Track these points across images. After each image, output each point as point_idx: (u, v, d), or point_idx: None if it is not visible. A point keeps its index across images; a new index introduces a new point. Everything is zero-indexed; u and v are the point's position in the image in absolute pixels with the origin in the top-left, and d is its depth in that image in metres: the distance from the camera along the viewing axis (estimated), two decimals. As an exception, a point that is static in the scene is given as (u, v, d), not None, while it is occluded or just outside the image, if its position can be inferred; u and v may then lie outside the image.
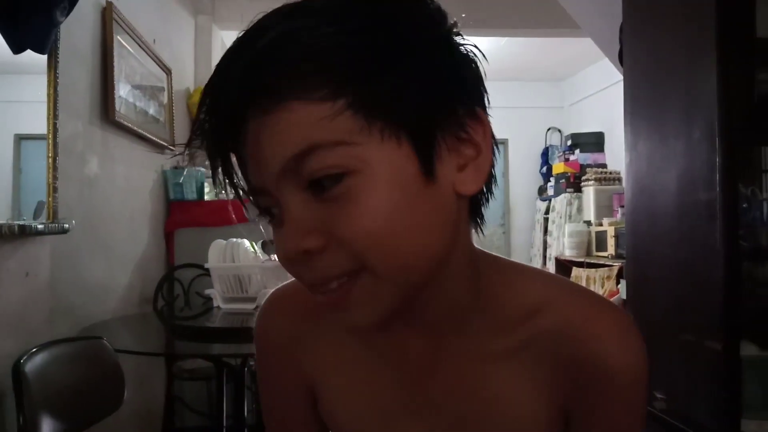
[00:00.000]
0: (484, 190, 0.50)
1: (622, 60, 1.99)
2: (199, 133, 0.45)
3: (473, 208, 0.52)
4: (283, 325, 0.62)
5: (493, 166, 0.49)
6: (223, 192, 0.49)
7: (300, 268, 0.46)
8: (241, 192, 0.48)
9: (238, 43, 0.45)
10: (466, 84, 0.48)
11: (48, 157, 1.91)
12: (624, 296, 3.63)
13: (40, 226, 1.79)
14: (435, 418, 0.55)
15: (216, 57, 4.34)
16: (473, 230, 0.53)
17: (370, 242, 0.43)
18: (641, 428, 0.53)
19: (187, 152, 0.48)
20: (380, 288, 0.45)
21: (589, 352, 0.50)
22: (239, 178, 0.47)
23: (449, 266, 0.50)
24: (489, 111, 0.49)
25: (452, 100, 0.46)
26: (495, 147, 0.49)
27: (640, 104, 1.81)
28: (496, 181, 0.51)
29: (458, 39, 0.50)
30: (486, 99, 0.49)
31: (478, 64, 0.49)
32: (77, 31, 2.18)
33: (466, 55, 0.49)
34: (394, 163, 0.43)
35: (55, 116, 1.93)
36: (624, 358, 0.50)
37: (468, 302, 0.53)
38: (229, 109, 0.43)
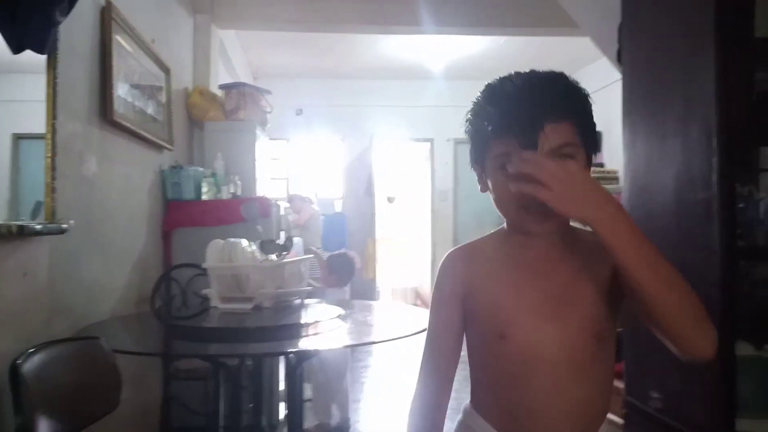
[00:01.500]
0: None
1: (620, 59, 1.99)
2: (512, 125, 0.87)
3: None
4: (457, 259, 1.03)
5: None
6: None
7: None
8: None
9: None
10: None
11: (46, 156, 1.91)
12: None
13: (38, 227, 1.79)
14: (546, 288, 0.94)
15: (215, 56, 4.35)
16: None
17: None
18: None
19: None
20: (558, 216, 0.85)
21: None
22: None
23: None
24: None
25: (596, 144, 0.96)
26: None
27: (638, 103, 1.82)
28: None
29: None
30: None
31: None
32: (77, 30, 2.18)
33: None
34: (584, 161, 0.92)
35: (54, 116, 1.93)
36: None
37: (564, 233, 0.97)
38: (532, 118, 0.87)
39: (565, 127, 0.87)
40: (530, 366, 0.92)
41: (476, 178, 0.99)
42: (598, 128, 0.94)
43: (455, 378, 1.03)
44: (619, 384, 2.08)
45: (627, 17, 1.87)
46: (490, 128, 0.89)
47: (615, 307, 0.95)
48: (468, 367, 1.02)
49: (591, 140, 0.92)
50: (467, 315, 0.99)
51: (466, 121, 0.96)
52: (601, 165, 5.41)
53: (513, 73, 0.93)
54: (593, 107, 0.94)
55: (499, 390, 0.96)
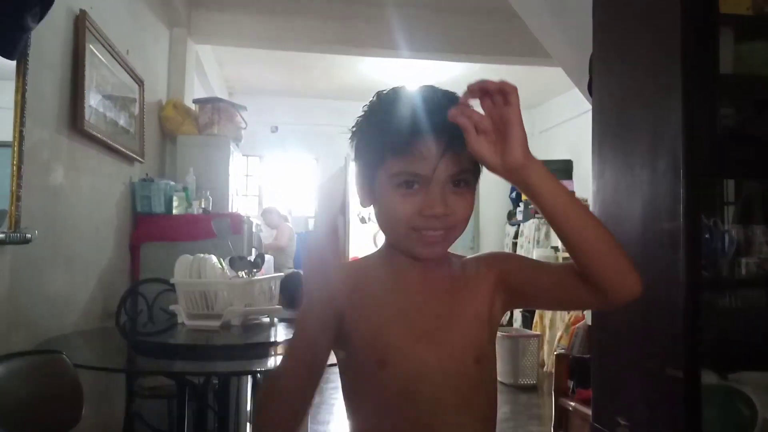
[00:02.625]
0: None
1: (591, 90, 2.04)
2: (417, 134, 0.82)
3: None
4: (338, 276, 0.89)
5: None
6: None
7: (434, 220, 0.83)
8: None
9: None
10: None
11: (12, 164, 1.87)
12: (589, 322, 3.68)
13: (0, 236, 1.75)
14: (426, 312, 0.90)
15: (190, 70, 4.33)
16: None
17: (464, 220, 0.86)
18: None
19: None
20: (450, 241, 0.87)
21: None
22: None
23: None
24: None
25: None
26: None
27: (607, 134, 1.86)
28: None
29: None
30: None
31: None
32: (49, 38, 2.15)
33: None
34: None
35: (22, 123, 1.89)
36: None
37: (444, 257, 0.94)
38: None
39: (465, 155, 0.81)
40: (411, 394, 0.87)
41: (359, 195, 0.92)
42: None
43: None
44: (586, 410, 2.10)
45: (598, 49, 1.92)
46: (387, 144, 0.83)
47: (494, 331, 0.94)
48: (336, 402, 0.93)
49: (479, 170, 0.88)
50: (343, 339, 0.88)
51: (354, 128, 0.91)
52: (572, 193, 5.52)
53: (402, 88, 0.88)
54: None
55: (379, 422, 0.89)
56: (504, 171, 0.78)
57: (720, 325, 1.66)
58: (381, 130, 0.85)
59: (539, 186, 0.79)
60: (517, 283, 0.92)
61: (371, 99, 0.90)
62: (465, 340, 0.89)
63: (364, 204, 0.92)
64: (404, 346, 0.87)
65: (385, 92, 0.88)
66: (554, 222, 0.81)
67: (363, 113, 0.90)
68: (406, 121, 0.82)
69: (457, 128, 0.77)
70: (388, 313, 0.90)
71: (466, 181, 0.85)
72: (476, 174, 0.87)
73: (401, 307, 0.90)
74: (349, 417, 0.94)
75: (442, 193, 0.82)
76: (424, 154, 0.81)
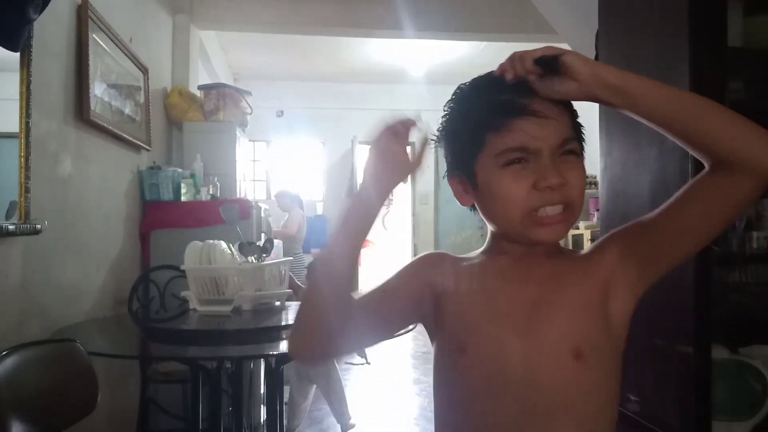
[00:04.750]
0: None
1: (598, 67, 2.01)
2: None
3: None
4: (443, 256, 0.91)
5: None
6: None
7: (550, 193, 0.77)
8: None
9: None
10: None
11: (20, 156, 1.88)
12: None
13: (11, 227, 1.76)
14: (517, 297, 0.82)
15: (194, 57, 4.32)
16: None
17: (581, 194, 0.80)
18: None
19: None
20: (570, 222, 0.80)
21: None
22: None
23: None
24: None
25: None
26: None
27: (614, 111, 1.84)
28: None
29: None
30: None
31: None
32: (52, 28, 2.15)
33: None
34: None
35: (28, 115, 1.90)
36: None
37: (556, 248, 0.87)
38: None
39: (567, 121, 0.80)
40: (497, 386, 0.79)
41: (453, 190, 0.88)
42: None
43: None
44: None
45: (603, 25, 1.90)
46: (486, 123, 0.79)
47: (614, 323, 0.82)
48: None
49: (582, 140, 0.85)
50: (436, 321, 0.87)
51: (440, 128, 0.88)
52: (580, 170, 5.49)
53: (476, 77, 0.86)
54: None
55: (467, 412, 0.82)
56: (580, 88, 0.75)
57: (730, 299, 1.66)
58: (476, 112, 0.81)
59: (624, 85, 0.75)
60: (646, 249, 0.82)
61: (452, 95, 0.86)
62: (562, 331, 0.79)
63: (464, 202, 0.87)
64: (484, 329, 0.81)
65: (464, 84, 0.86)
66: (664, 118, 0.76)
67: (448, 108, 0.87)
68: (496, 98, 0.79)
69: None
70: (473, 295, 0.84)
71: (573, 151, 0.80)
72: (581, 143, 0.83)
73: (488, 287, 0.84)
74: (437, 411, 0.89)
75: (553, 163, 0.77)
76: (524, 127, 0.77)
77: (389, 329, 0.93)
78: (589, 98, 0.77)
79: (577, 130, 0.82)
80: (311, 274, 0.86)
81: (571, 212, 0.79)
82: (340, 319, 0.79)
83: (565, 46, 0.91)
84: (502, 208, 0.80)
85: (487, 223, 0.87)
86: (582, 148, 0.83)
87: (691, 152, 0.78)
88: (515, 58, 0.78)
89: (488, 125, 0.79)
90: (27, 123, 1.89)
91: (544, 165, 0.77)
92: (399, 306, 0.88)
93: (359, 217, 0.80)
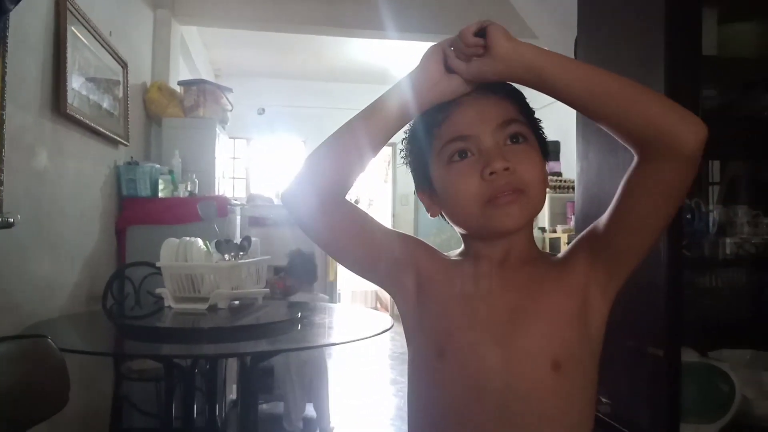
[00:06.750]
0: None
1: (576, 72, 2.03)
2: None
3: None
4: (427, 245, 0.90)
5: None
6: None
7: (498, 180, 0.76)
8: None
9: None
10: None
11: (-6, 148, 1.85)
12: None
13: (-17, 220, 1.73)
14: (496, 304, 0.81)
15: (175, 52, 4.28)
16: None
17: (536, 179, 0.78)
18: None
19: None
20: (526, 208, 0.78)
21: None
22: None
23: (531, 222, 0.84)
24: None
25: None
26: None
27: (592, 115, 1.86)
28: None
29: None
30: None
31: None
32: (29, 20, 2.11)
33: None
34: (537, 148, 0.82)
35: (2, 107, 1.86)
36: None
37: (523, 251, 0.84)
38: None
39: (507, 104, 0.80)
40: (475, 394, 0.78)
41: (423, 204, 0.88)
42: (556, 138, 0.92)
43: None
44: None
45: (582, 32, 1.92)
46: (428, 122, 0.82)
47: (591, 331, 0.82)
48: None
49: (538, 129, 0.84)
50: (418, 315, 0.85)
51: (402, 147, 0.90)
52: (559, 174, 5.53)
53: None
54: (550, 116, 0.89)
55: (444, 419, 0.80)
56: (504, 66, 0.74)
57: (701, 304, 1.69)
58: (424, 117, 0.83)
59: (540, 62, 0.73)
60: (608, 251, 0.81)
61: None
62: (540, 343, 0.78)
63: (433, 213, 0.87)
64: (464, 335, 0.80)
65: None
66: (582, 98, 0.75)
67: (409, 125, 0.88)
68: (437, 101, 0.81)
69: (493, 85, 0.78)
70: (455, 303, 0.82)
71: (522, 135, 0.79)
72: (532, 128, 0.82)
73: (468, 294, 0.82)
74: (409, 416, 0.87)
75: (496, 147, 0.77)
76: (462, 115, 0.79)
77: (360, 248, 0.87)
78: (513, 77, 0.76)
79: (525, 114, 0.82)
80: (350, 121, 0.92)
81: (525, 198, 0.77)
82: (353, 167, 0.85)
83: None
84: (459, 206, 0.80)
85: (455, 228, 0.86)
86: (536, 134, 0.82)
87: (618, 138, 0.78)
88: (458, 39, 0.77)
89: (432, 123, 0.81)
90: (1, 115, 1.86)
91: (487, 152, 0.77)
92: (377, 242, 0.86)
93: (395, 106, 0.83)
